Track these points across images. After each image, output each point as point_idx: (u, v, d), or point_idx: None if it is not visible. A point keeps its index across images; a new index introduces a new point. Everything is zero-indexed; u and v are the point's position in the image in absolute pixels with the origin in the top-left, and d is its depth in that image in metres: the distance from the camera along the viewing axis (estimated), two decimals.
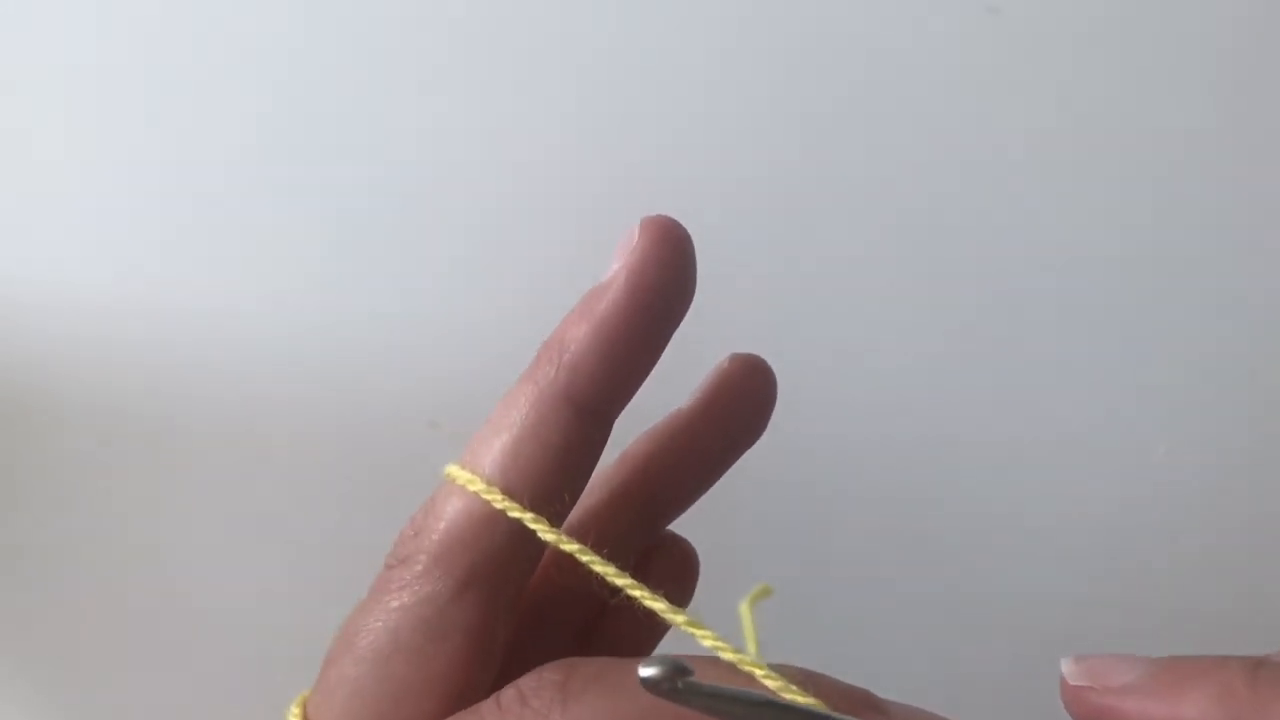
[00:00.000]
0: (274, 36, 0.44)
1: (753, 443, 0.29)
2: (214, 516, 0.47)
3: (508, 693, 0.22)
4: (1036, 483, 0.47)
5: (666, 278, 0.24)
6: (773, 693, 0.21)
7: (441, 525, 0.23)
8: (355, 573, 0.25)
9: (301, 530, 0.46)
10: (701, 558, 0.29)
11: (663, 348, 0.25)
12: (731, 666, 0.22)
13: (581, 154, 0.45)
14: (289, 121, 0.45)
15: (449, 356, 0.43)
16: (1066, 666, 0.23)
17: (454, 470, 0.24)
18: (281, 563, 0.47)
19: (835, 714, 0.21)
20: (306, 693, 0.24)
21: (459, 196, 0.45)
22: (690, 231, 0.27)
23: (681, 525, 0.29)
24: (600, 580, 0.24)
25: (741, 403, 0.28)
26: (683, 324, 0.26)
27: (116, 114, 0.45)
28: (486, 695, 0.23)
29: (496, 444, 0.24)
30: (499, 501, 0.23)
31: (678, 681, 0.19)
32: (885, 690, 0.24)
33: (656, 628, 0.27)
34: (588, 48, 0.45)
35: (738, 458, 0.29)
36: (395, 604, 0.23)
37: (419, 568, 0.23)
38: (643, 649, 0.29)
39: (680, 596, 0.29)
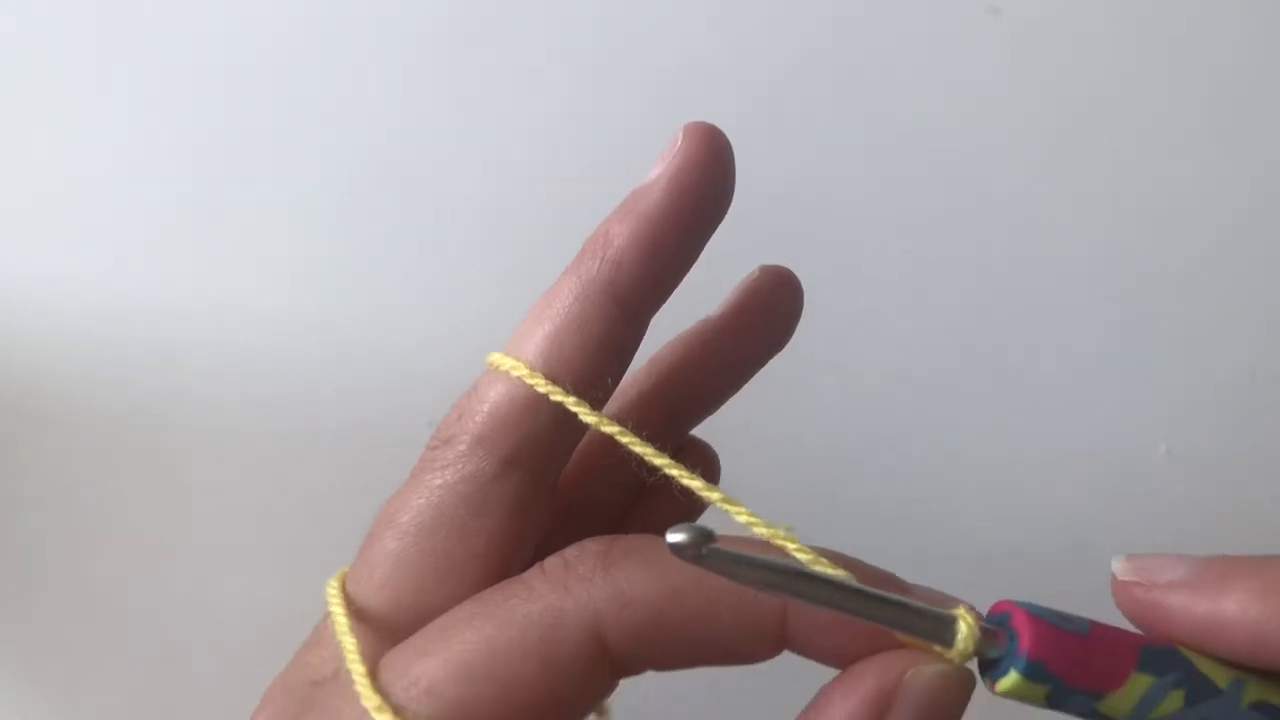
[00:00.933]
0: (274, 37, 0.44)
1: (776, 352, 0.30)
2: (213, 516, 0.47)
3: (552, 561, 0.23)
4: (1036, 482, 0.47)
5: (707, 181, 0.25)
6: (799, 563, 0.22)
7: (485, 408, 0.24)
8: None
9: (301, 530, 0.46)
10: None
11: (699, 250, 0.25)
12: (765, 543, 0.23)
13: (582, 155, 0.45)
14: (289, 123, 0.45)
15: (448, 356, 0.43)
16: (1117, 565, 0.24)
17: (496, 357, 0.25)
18: (281, 562, 0.46)
19: (861, 585, 0.21)
20: (345, 569, 0.25)
21: (459, 197, 0.45)
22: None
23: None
24: (638, 461, 0.24)
25: (768, 314, 0.29)
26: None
27: (116, 114, 0.45)
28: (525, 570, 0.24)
29: (539, 333, 0.24)
30: (542, 386, 0.24)
31: (703, 547, 0.20)
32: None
33: (692, 509, 0.28)
34: (589, 49, 0.45)
35: (761, 366, 0.30)
36: (438, 481, 0.24)
37: (462, 447, 0.24)
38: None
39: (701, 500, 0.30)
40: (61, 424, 0.46)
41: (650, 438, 0.26)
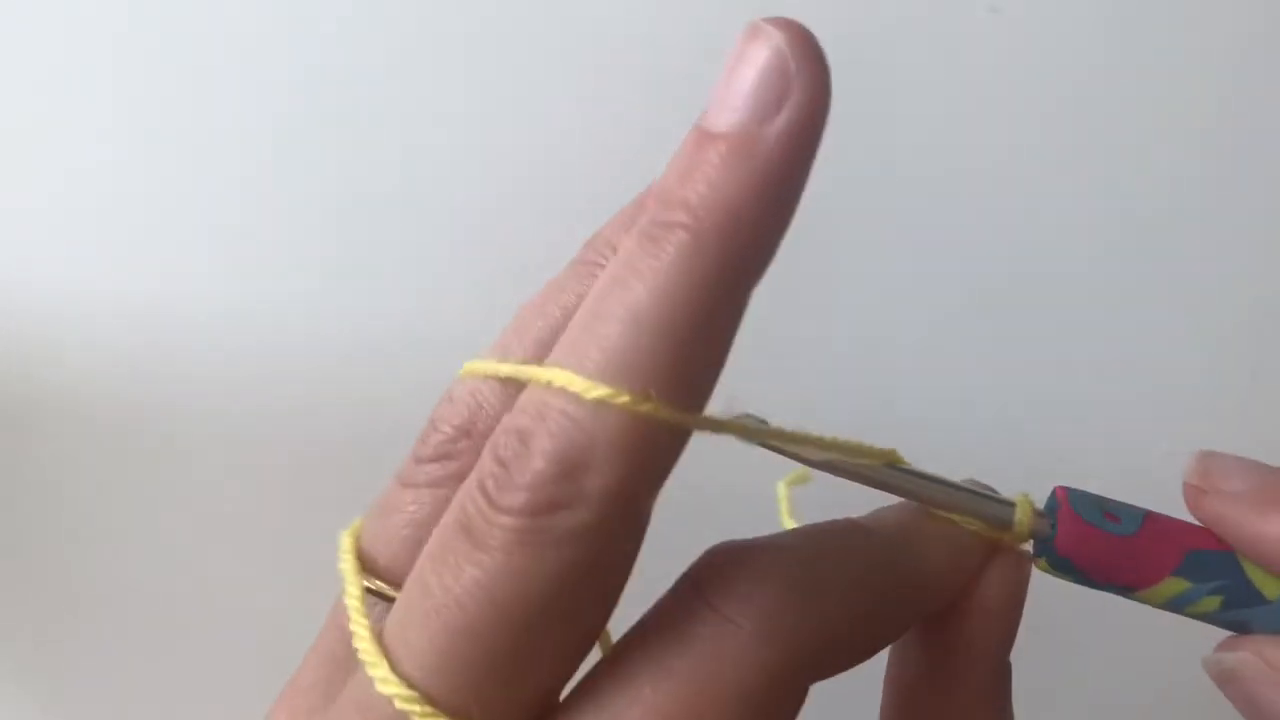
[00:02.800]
0: (273, 38, 0.44)
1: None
2: (213, 518, 0.47)
3: (729, 603, 0.20)
4: (1036, 483, 0.47)
5: (824, 120, 0.20)
6: (855, 444, 0.22)
7: (618, 461, 0.18)
8: None
9: (301, 531, 0.46)
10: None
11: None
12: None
13: (586, 156, 0.45)
14: (290, 124, 0.45)
15: (449, 358, 0.43)
16: (1190, 462, 0.24)
17: (599, 389, 0.18)
18: (281, 564, 0.46)
19: (902, 466, 0.23)
20: (380, 650, 0.20)
21: (460, 198, 0.45)
22: None
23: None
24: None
25: None
26: None
27: (116, 115, 0.45)
28: None
29: (651, 342, 0.18)
30: (688, 420, 0.19)
31: (757, 434, 0.21)
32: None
33: None
34: (591, 50, 0.45)
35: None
36: (565, 559, 0.19)
37: (588, 516, 0.18)
38: None
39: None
40: (61, 425, 0.46)
41: None
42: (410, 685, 0.19)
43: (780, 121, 0.19)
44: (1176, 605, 0.23)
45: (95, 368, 0.45)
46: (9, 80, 0.44)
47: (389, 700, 0.19)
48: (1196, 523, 0.24)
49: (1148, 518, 0.23)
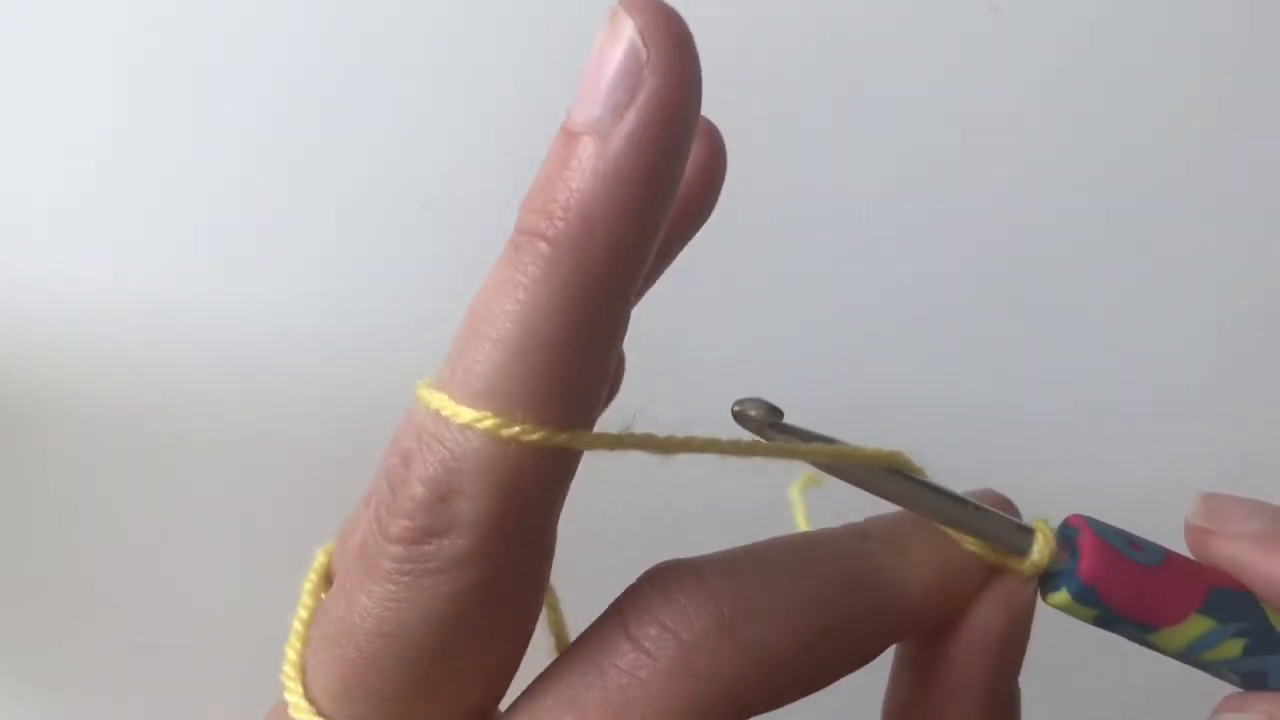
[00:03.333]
0: (271, 37, 0.44)
1: (705, 220, 0.24)
2: (211, 517, 0.47)
3: (647, 632, 0.18)
4: (1036, 482, 0.46)
5: (689, 108, 0.18)
6: (854, 448, 0.21)
7: (487, 486, 0.18)
8: None
9: (299, 531, 0.46)
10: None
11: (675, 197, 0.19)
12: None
13: None
14: (287, 122, 0.45)
15: (445, 356, 0.43)
16: (1192, 504, 0.23)
17: (467, 412, 0.18)
18: (279, 563, 0.46)
19: (947, 489, 0.21)
20: (298, 689, 0.20)
21: (457, 195, 0.45)
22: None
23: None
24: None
25: (702, 187, 0.24)
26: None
27: (116, 115, 0.45)
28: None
29: (512, 360, 0.18)
30: (563, 438, 0.18)
31: (770, 423, 0.19)
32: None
33: None
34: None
35: (688, 242, 0.25)
36: (446, 589, 0.18)
37: (465, 542, 0.18)
38: None
39: (611, 392, 0.26)
40: (61, 425, 0.46)
41: None
42: (317, 712, 0.19)
43: (630, 117, 0.18)
44: (1196, 649, 0.21)
45: (95, 368, 0.45)
46: (9, 81, 0.44)
47: None
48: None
49: (1168, 551, 0.22)
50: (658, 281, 0.26)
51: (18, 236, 0.45)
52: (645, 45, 0.18)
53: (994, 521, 0.21)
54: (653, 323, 0.27)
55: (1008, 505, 0.22)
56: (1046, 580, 0.22)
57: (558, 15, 0.45)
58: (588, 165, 0.18)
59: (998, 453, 0.47)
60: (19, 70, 0.44)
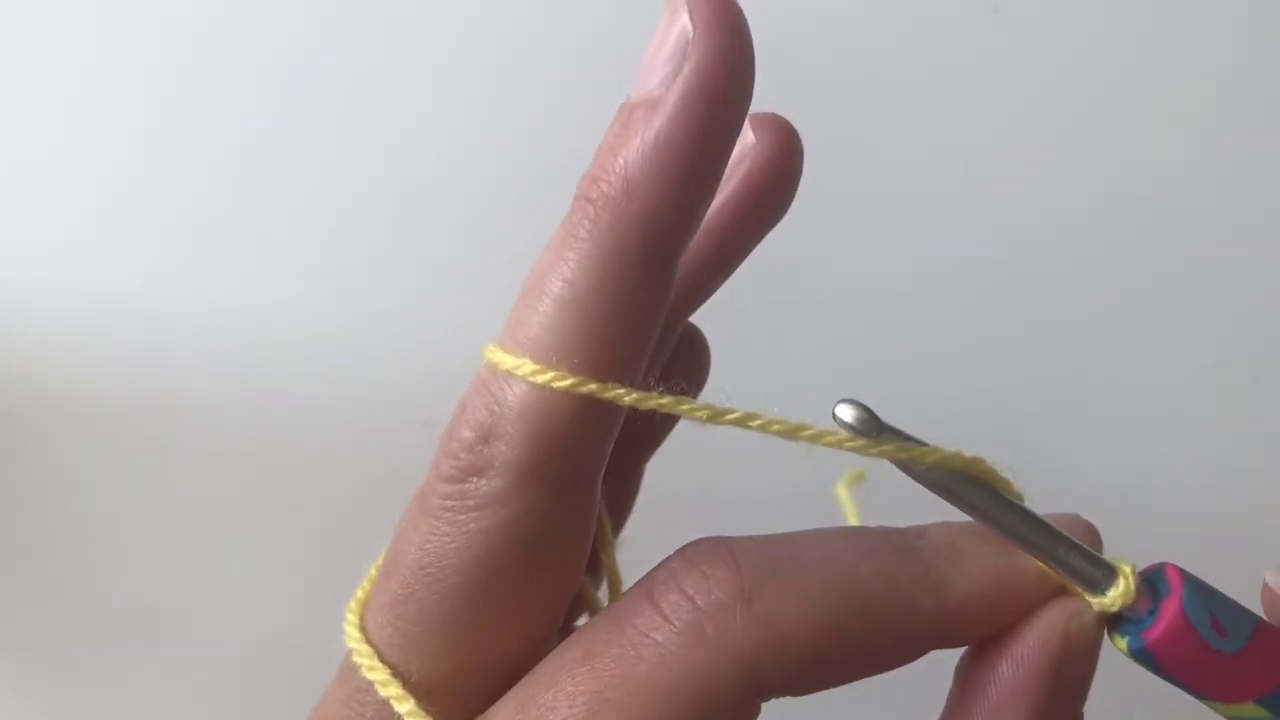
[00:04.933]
0: (273, 38, 0.44)
1: (779, 220, 0.25)
2: (211, 517, 0.47)
3: (669, 598, 0.19)
4: (1035, 482, 0.46)
5: (734, 80, 0.19)
6: (931, 448, 0.20)
7: (521, 429, 0.19)
8: (350, 572, 0.25)
9: (298, 530, 0.46)
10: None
11: (726, 164, 0.20)
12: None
13: (580, 153, 0.45)
14: (289, 125, 0.45)
15: (444, 355, 0.43)
16: (1274, 576, 0.21)
17: (510, 359, 0.19)
18: (277, 562, 0.46)
19: (1035, 512, 0.20)
20: (356, 621, 0.21)
21: (453, 195, 0.45)
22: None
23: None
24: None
25: (777, 183, 0.24)
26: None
27: (116, 116, 0.45)
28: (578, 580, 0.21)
29: (560, 316, 0.19)
30: (594, 388, 0.19)
31: (875, 423, 0.19)
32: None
33: (669, 420, 0.25)
34: (591, 50, 0.45)
35: (760, 239, 0.25)
36: (484, 524, 0.19)
37: (501, 482, 0.19)
38: (645, 454, 0.28)
39: (697, 386, 0.28)
40: (60, 425, 0.46)
41: (657, 347, 0.23)
42: (365, 639, 0.21)
43: (674, 89, 0.19)
44: None
45: (95, 368, 0.45)
46: (8, 81, 0.44)
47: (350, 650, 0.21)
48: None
49: (1257, 631, 0.20)
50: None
51: (18, 237, 0.45)
52: (693, 24, 0.19)
53: (1072, 550, 0.20)
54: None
55: (1092, 535, 0.21)
56: (1116, 618, 0.21)
57: (579, 18, 0.45)
58: (634, 134, 0.19)
59: (1000, 449, 0.47)
60: (18, 70, 0.44)
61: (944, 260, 0.46)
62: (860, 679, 0.20)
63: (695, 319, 0.27)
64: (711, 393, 0.25)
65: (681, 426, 0.25)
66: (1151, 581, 0.21)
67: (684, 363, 0.27)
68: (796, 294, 0.46)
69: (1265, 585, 0.21)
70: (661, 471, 0.29)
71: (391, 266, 0.46)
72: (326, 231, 0.45)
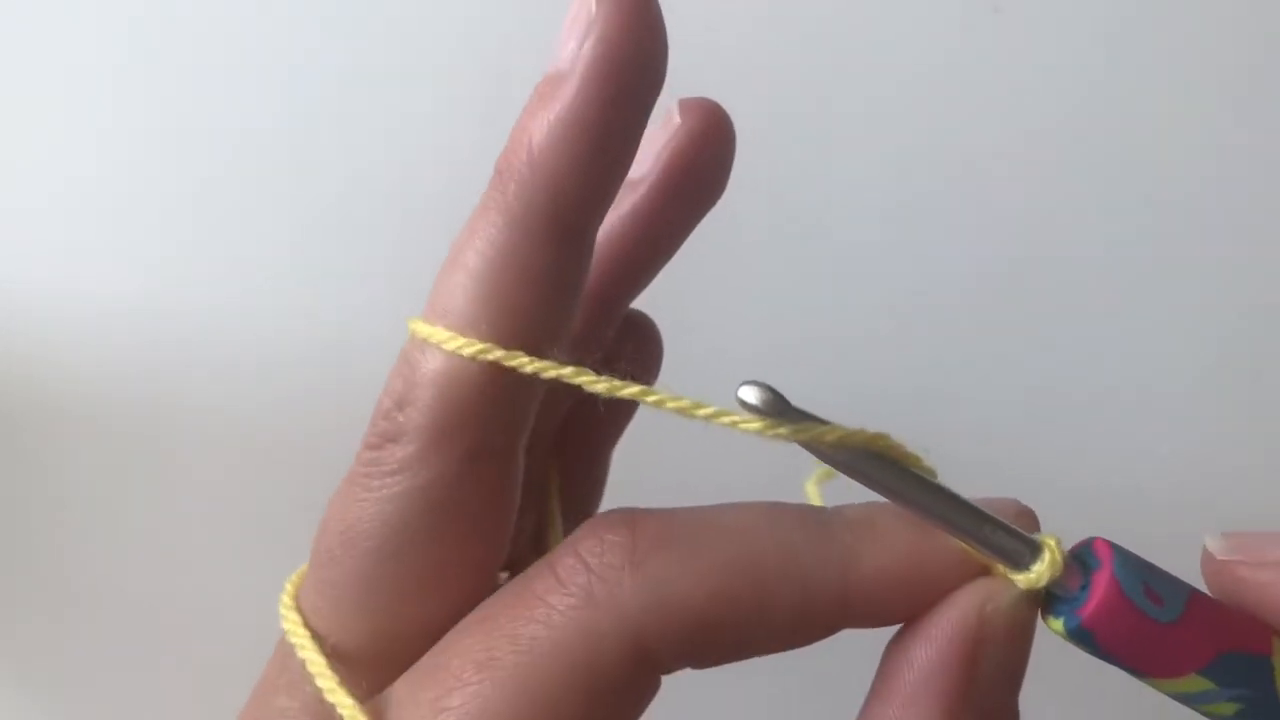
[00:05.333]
0: (270, 37, 0.44)
1: (713, 205, 0.25)
2: (212, 516, 0.47)
3: (565, 561, 0.19)
4: (1035, 482, 0.46)
5: (638, 52, 0.19)
6: (830, 426, 0.19)
7: (430, 395, 0.20)
8: None
9: (299, 530, 0.46)
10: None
11: (639, 139, 0.20)
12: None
13: None
14: (288, 126, 0.45)
15: None
16: (1215, 542, 0.21)
17: (424, 327, 0.20)
18: (278, 562, 0.46)
19: (947, 488, 0.19)
20: (291, 587, 0.22)
21: (454, 194, 0.45)
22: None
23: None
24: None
25: (702, 168, 0.24)
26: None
27: (115, 117, 0.45)
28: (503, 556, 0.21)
29: (470, 284, 0.20)
30: (497, 354, 0.19)
31: (779, 406, 0.18)
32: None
33: (626, 404, 0.24)
34: None
35: (697, 224, 0.25)
36: (393, 489, 0.20)
37: (413, 448, 0.20)
38: (608, 435, 0.28)
39: (647, 374, 0.28)
40: (60, 424, 0.46)
41: (594, 332, 0.24)
42: (295, 606, 0.22)
43: (579, 61, 0.19)
44: (1187, 700, 0.20)
45: (95, 368, 0.45)
46: (8, 81, 0.44)
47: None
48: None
49: (1191, 600, 0.20)
50: (668, 271, 0.26)
51: (18, 237, 0.45)
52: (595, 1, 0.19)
53: (992, 527, 0.19)
54: (665, 311, 0.28)
55: (1026, 518, 0.20)
56: (1049, 600, 0.20)
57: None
58: (540, 109, 0.20)
59: (994, 449, 0.47)
60: (19, 70, 0.44)
61: (942, 260, 0.46)
62: (761, 654, 0.19)
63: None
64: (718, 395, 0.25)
65: (675, 422, 0.25)
66: (1081, 557, 0.20)
67: (634, 351, 0.27)
68: (796, 293, 0.46)
69: (1205, 551, 0.21)
70: (646, 464, 0.29)
71: (393, 266, 0.46)
72: (327, 231, 0.45)
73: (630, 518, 0.19)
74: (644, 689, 0.19)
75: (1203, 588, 0.21)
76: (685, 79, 0.45)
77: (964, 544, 0.19)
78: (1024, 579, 0.19)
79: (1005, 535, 0.19)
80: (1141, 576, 0.19)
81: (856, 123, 0.45)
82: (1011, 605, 0.19)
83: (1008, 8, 0.45)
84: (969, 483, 0.21)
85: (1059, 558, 0.19)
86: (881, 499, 0.20)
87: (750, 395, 0.18)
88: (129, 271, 0.45)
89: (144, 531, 0.47)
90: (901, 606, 0.19)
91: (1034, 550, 0.19)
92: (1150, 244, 0.46)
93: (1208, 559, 0.21)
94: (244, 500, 0.46)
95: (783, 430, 0.19)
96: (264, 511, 0.46)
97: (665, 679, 0.20)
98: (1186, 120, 0.46)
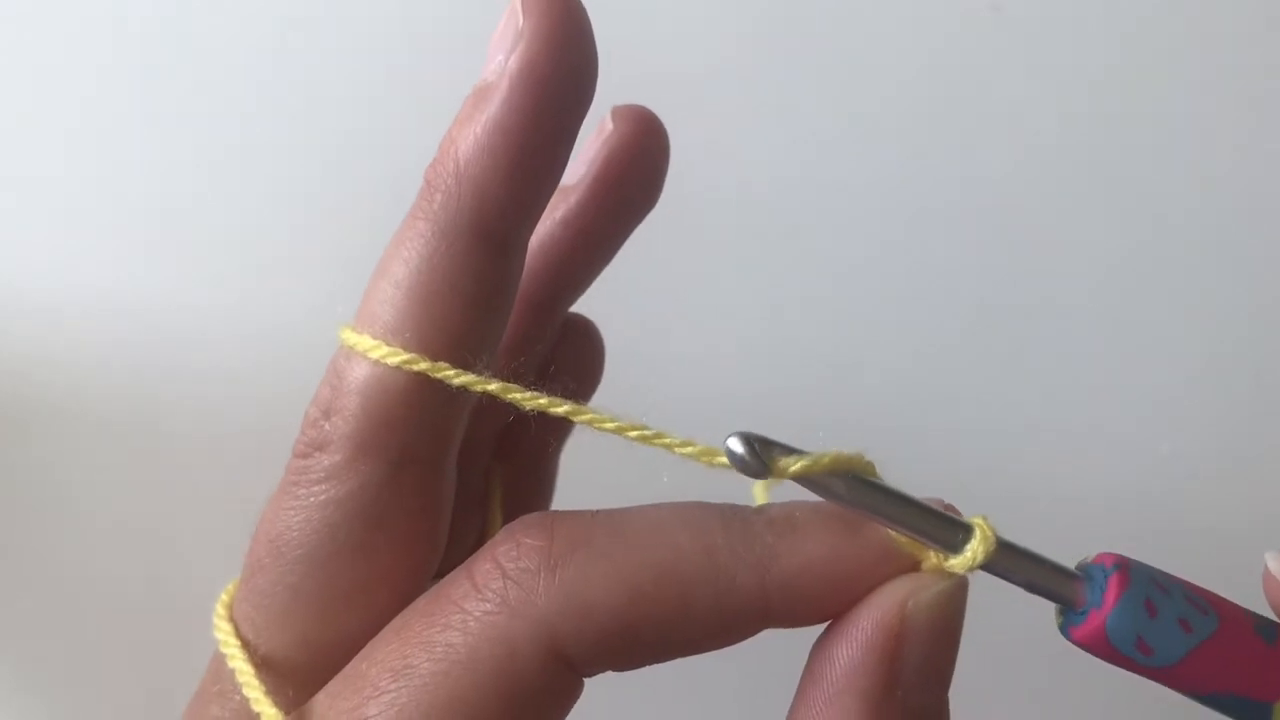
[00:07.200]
0: (270, 37, 0.44)
1: (649, 211, 0.25)
2: (212, 516, 0.47)
3: (482, 567, 0.19)
4: (1036, 482, 0.46)
5: (565, 61, 0.19)
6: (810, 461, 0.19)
7: (355, 403, 0.20)
8: None
9: None
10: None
11: (569, 150, 0.20)
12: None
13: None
14: (284, 123, 0.45)
15: None
16: (1276, 562, 0.21)
17: (352, 335, 0.20)
18: None
19: (875, 480, 0.19)
20: (227, 595, 0.22)
21: None
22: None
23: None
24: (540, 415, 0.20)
25: (635, 175, 0.24)
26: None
27: (116, 118, 0.45)
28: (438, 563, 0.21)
29: (396, 294, 0.20)
30: (421, 365, 0.19)
31: (767, 452, 0.18)
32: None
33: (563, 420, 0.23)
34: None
35: (633, 230, 0.25)
36: (321, 498, 0.20)
37: (339, 457, 0.20)
38: (552, 442, 0.27)
39: (588, 378, 0.27)
40: (59, 424, 0.46)
41: (529, 340, 0.24)
42: (228, 615, 0.22)
43: (505, 73, 0.19)
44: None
45: (94, 368, 0.45)
46: (9, 81, 0.44)
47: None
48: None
49: (1192, 654, 0.19)
50: (645, 279, 0.26)
51: (18, 237, 0.45)
52: (522, 11, 0.19)
53: (931, 516, 0.19)
54: (637, 320, 0.28)
55: (953, 511, 0.20)
56: (1064, 614, 0.20)
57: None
58: (466, 119, 0.20)
59: (986, 457, 0.47)
60: (18, 71, 0.44)
61: (940, 260, 0.46)
62: (683, 655, 0.19)
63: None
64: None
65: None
66: (1093, 576, 0.20)
67: (574, 358, 0.27)
68: (794, 293, 0.46)
69: (1267, 571, 0.21)
70: (599, 465, 0.29)
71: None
72: (327, 231, 0.45)
73: (548, 521, 0.19)
74: (563, 693, 0.19)
75: (1213, 582, 0.21)
76: (686, 79, 0.44)
77: (900, 535, 0.19)
78: (959, 561, 0.19)
79: (935, 522, 0.19)
80: (1137, 629, 0.19)
81: (854, 122, 0.45)
82: (934, 601, 0.19)
83: (1008, 7, 0.45)
84: (969, 482, 0.21)
85: (990, 536, 0.19)
86: (812, 498, 0.19)
87: (737, 446, 0.18)
88: (129, 271, 0.45)
89: (144, 531, 0.47)
90: (824, 605, 0.19)
91: (964, 532, 0.19)
92: (1150, 243, 0.46)
93: (1269, 578, 0.21)
94: (245, 500, 0.46)
95: (721, 460, 0.19)
96: (259, 511, 0.46)
97: (598, 679, 0.20)
98: (1186, 120, 0.46)
